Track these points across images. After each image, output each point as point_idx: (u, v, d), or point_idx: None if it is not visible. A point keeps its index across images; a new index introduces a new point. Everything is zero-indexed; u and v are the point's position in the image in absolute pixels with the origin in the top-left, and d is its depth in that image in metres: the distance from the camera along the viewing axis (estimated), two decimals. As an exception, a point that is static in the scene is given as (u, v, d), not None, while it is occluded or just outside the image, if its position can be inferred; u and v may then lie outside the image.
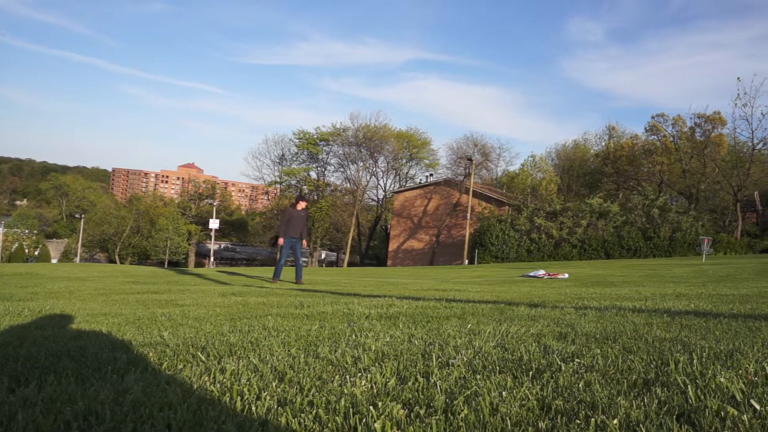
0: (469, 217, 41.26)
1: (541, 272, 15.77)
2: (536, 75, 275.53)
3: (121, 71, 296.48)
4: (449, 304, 5.41)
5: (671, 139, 48.33)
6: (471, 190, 42.72)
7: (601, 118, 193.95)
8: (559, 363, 2.39)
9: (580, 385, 2.03)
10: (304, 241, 12.19)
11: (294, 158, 65.06)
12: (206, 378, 2.26)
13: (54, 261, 65.96)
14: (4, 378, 2.24)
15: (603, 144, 58.52)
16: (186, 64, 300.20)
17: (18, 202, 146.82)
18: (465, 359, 2.51)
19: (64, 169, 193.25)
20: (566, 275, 14.68)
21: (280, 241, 11.91)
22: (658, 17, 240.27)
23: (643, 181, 47.82)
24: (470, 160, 45.12)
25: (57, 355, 2.75)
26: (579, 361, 2.45)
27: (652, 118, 49.67)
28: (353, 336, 3.28)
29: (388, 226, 60.75)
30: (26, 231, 78.86)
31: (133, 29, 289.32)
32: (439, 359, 2.52)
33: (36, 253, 73.86)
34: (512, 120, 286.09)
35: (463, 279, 14.53)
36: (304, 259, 12.29)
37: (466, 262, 38.98)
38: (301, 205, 12.17)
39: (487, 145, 51.98)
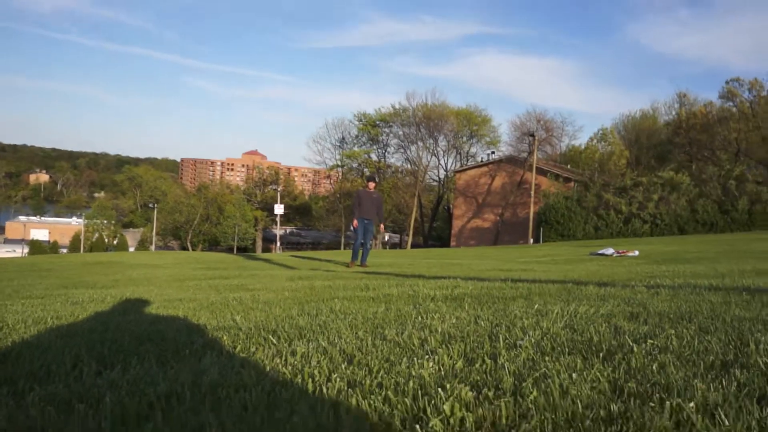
0: (533, 195, 40.48)
1: (610, 250, 15.32)
2: (599, 43, 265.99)
3: (186, 64, 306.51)
4: (515, 284, 5.35)
5: (748, 104, 45.65)
6: (534, 167, 41.84)
7: (670, 86, 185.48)
8: (631, 344, 2.34)
9: (654, 367, 1.97)
10: (382, 225, 12.30)
11: (354, 141, 65.60)
12: (278, 360, 2.33)
13: (131, 249, 69.20)
14: (92, 362, 2.39)
15: (674, 113, 55.86)
16: (246, 52, 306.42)
17: (96, 194, 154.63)
18: (533, 340, 2.48)
19: (137, 161, 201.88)
20: (636, 253, 14.22)
21: (354, 223, 11.91)
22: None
23: (718, 151, 45.45)
24: (533, 136, 44.16)
25: (139, 339, 2.90)
26: (652, 342, 2.38)
27: (727, 83, 47.07)
28: (419, 318, 3.30)
29: (451, 206, 60.39)
30: (105, 222, 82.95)
31: (196, 22, 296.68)
32: (506, 341, 2.51)
33: (115, 242, 77.63)
34: (575, 91, 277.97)
35: (528, 258, 14.31)
36: (370, 242, 12.29)
37: (531, 241, 38.34)
38: (371, 186, 12.23)
39: (550, 119, 50.66)
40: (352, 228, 12.10)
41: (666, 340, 2.40)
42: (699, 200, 34.74)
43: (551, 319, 3.03)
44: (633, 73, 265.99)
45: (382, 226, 12.35)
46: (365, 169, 63.58)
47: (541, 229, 37.74)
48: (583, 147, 55.42)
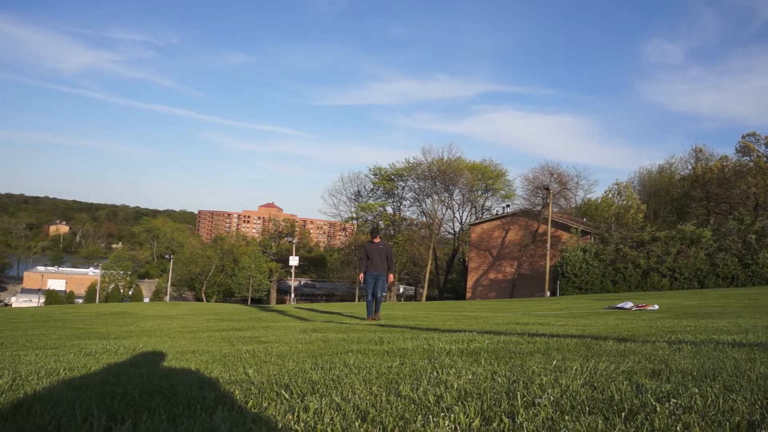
0: (548, 248, 40.19)
1: (629, 304, 15.05)
2: (613, 101, 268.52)
3: (204, 119, 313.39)
4: (532, 339, 5.25)
5: (765, 158, 45.52)
6: (549, 220, 41.71)
7: (685, 141, 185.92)
8: (654, 403, 2.26)
9: (678, 428, 1.91)
10: (391, 276, 11.91)
11: (370, 194, 66.10)
12: (290, 417, 2.28)
13: (146, 300, 69.34)
14: (102, 416, 2.36)
15: (690, 167, 55.87)
16: (264, 109, 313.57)
17: (114, 245, 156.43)
18: (551, 398, 2.41)
19: (155, 213, 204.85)
20: (656, 306, 13.96)
21: (360, 276, 11.79)
22: (741, 35, 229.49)
23: (737, 205, 45.08)
24: (547, 189, 44.20)
25: (150, 393, 2.87)
26: (675, 401, 2.31)
27: (743, 137, 47.13)
28: (434, 373, 3.23)
29: (466, 258, 60.13)
30: (121, 272, 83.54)
31: (214, 80, 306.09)
32: (524, 398, 2.44)
33: (130, 292, 77.95)
34: (589, 147, 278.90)
35: (545, 312, 14.10)
36: (383, 293, 12.05)
37: (548, 294, 37.84)
38: (377, 239, 11.95)
39: (564, 173, 50.78)
40: (361, 283, 11.86)
41: (690, 399, 2.32)
42: (719, 254, 34.23)
43: (570, 376, 2.96)
44: (647, 129, 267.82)
45: (391, 276, 11.99)
46: (378, 222, 63.80)
47: (558, 282, 37.28)
48: (598, 201, 55.35)
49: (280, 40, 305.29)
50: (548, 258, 39.93)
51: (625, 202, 51.89)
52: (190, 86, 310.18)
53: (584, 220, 51.95)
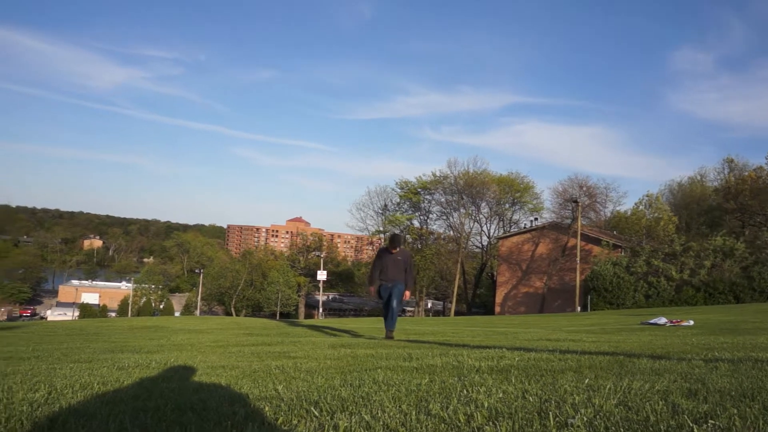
0: (578, 262, 39.64)
1: (663, 319, 14.73)
2: (641, 111, 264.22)
3: (234, 135, 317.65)
4: (563, 356, 5.17)
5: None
6: (579, 233, 41.18)
7: (717, 151, 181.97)
8: (691, 424, 2.20)
9: (718, 451, 1.85)
10: (407, 291, 10.20)
11: (396, 208, 66.18)
12: (320, 434, 2.28)
13: (177, 314, 70.23)
14: (135, 431, 2.39)
15: (722, 178, 54.74)
16: (291, 124, 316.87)
17: (146, 260, 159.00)
18: (585, 419, 2.37)
19: (185, 228, 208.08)
20: (691, 322, 13.64)
21: (371, 290, 10.31)
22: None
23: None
24: (576, 202, 43.69)
25: (181, 408, 2.90)
26: (713, 422, 2.24)
27: (777, 147, 45.93)
28: (464, 391, 3.20)
29: (495, 273, 59.63)
30: (152, 286, 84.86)
31: (242, 96, 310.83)
32: (557, 418, 2.40)
33: (161, 306, 79.05)
34: (617, 158, 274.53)
35: (576, 327, 13.87)
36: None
37: (579, 309, 37.28)
38: (395, 249, 10.24)
39: (593, 185, 50.19)
40: (375, 297, 10.30)
41: (728, 421, 2.26)
42: (755, 267, 33.35)
43: (604, 396, 2.90)
44: (676, 139, 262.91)
45: (407, 293, 10.20)
46: (398, 231, 63.65)
47: (589, 297, 36.71)
48: (628, 213, 54.51)
49: (307, 56, 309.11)
50: (578, 272, 39.38)
51: (655, 214, 50.97)
52: (218, 101, 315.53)
53: (614, 232, 51.17)
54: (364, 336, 10.78)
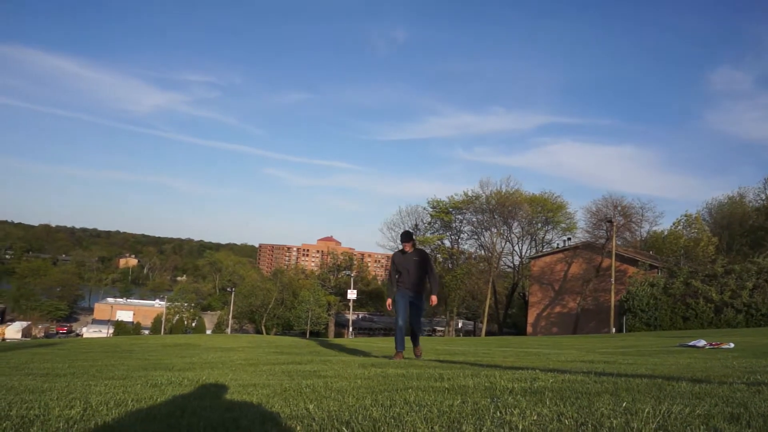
0: (613, 282, 38.86)
1: (702, 342, 14.30)
2: (678, 131, 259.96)
3: (266, 155, 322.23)
4: (599, 378, 5.04)
5: None
6: (614, 253, 40.43)
7: (756, 171, 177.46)
8: (737, 451, 2.12)
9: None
10: (433, 297, 8.98)
11: (427, 227, 65.96)
12: (351, 455, 2.26)
13: (208, 332, 70.90)
14: (168, 448, 2.40)
15: (763, 198, 53.33)
16: (323, 144, 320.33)
17: (179, 278, 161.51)
18: (623, 443, 2.30)
19: (218, 247, 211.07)
20: (731, 345, 13.21)
21: (388, 302, 9.14)
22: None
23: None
24: (610, 222, 42.96)
25: (214, 426, 2.90)
26: (761, 449, 2.15)
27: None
28: (497, 413, 3.14)
29: (526, 293, 58.86)
30: (185, 304, 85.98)
31: (276, 117, 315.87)
32: (594, 442, 2.33)
33: (193, 324, 79.97)
34: (653, 178, 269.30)
35: (611, 349, 13.56)
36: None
37: (614, 330, 36.46)
38: (408, 246, 9.01)
39: (628, 205, 49.26)
40: (387, 306, 9.22)
41: (777, 449, 2.16)
42: (799, 289, 32.24)
43: (642, 420, 2.81)
44: (715, 159, 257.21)
45: (434, 298, 8.97)
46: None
47: (624, 318, 35.89)
48: (665, 233, 53.38)
49: (340, 78, 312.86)
50: (613, 292, 38.59)
51: (695, 234, 49.80)
52: (252, 123, 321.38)
53: (650, 253, 50.10)
54: (375, 354, 10.02)
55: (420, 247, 9.61)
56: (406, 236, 9.06)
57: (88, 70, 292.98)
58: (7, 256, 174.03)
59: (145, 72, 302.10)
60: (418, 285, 8.87)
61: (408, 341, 9.24)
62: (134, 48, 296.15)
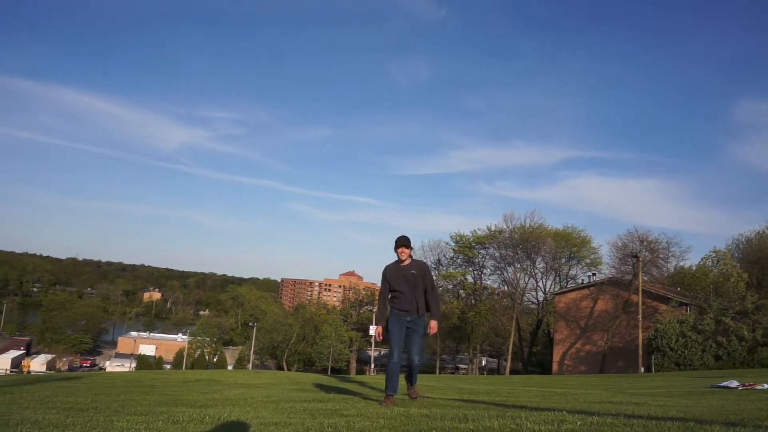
0: (640, 319, 38.02)
1: (734, 383, 13.85)
2: (703, 164, 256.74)
3: (290, 190, 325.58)
4: (629, 421, 4.89)
5: None
6: (640, 289, 39.65)
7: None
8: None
9: None
10: (433, 323, 7.11)
11: (450, 263, 65.55)
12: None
13: (230, 367, 70.73)
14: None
15: (794, 232, 52.16)
16: (345, 179, 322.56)
17: (201, 312, 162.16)
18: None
19: (240, 281, 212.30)
20: (765, 386, 12.77)
21: (377, 330, 7.56)
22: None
23: None
24: (636, 257, 42.27)
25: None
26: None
27: None
28: (524, 457, 3.05)
29: (551, 330, 57.86)
30: (207, 339, 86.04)
31: (299, 153, 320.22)
32: (626, 490, 2.25)
33: (215, 359, 79.83)
34: (679, 212, 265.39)
35: (639, 390, 13.20)
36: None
37: (642, 369, 35.51)
38: (404, 252, 7.16)
39: (654, 240, 48.49)
40: (376, 336, 7.69)
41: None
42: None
43: (676, 466, 2.71)
44: (741, 193, 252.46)
45: (434, 324, 7.10)
46: (454, 290, 62.41)
47: (653, 357, 34.98)
48: (693, 269, 52.31)
49: (363, 114, 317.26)
50: (640, 330, 37.72)
51: (724, 269, 48.71)
52: (276, 159, 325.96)
53: (678, 289, 49.05)
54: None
55: (418, 258, 8.25)
56: (402, 240, 7.14)
57: (118, 108, 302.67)
58: (34, 289, 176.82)
59: (171, 108, 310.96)
60: (417, 305, 7.10)
61: (402, 378, 7.92)
62: (160, 85, 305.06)
